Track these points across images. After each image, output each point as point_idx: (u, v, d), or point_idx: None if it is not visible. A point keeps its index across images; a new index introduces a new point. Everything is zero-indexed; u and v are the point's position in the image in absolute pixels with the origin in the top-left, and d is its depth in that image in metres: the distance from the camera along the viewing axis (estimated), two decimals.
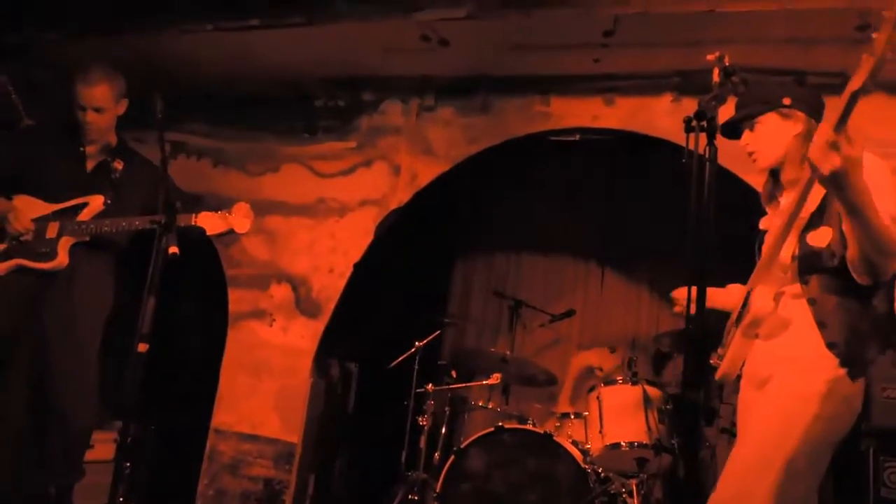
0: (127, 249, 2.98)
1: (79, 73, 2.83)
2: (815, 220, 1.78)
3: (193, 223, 2.73)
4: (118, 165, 2.93)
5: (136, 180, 2.94)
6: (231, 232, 2.75)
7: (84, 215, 2.81)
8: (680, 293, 2.10)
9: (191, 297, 4.46)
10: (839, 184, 1.51)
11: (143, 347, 2.37)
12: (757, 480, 1.65)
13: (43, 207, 2.80)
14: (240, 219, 2.75)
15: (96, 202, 2.84)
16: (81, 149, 2.91)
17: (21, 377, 2.77)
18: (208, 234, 2.75)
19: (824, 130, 1.48)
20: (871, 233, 1.57)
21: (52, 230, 2.76)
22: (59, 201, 2.81)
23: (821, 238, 1.76)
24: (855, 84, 1.42)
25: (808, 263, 1.76)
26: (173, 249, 2.60)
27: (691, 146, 1.43)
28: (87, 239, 2.79)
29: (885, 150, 2.62)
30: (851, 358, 1.70)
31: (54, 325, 2.73)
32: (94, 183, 2.87)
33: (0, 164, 2.90)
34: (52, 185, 2.83)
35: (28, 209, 2.80)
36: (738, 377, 1.96)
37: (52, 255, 2.76)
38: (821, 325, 1.72)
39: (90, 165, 2.94)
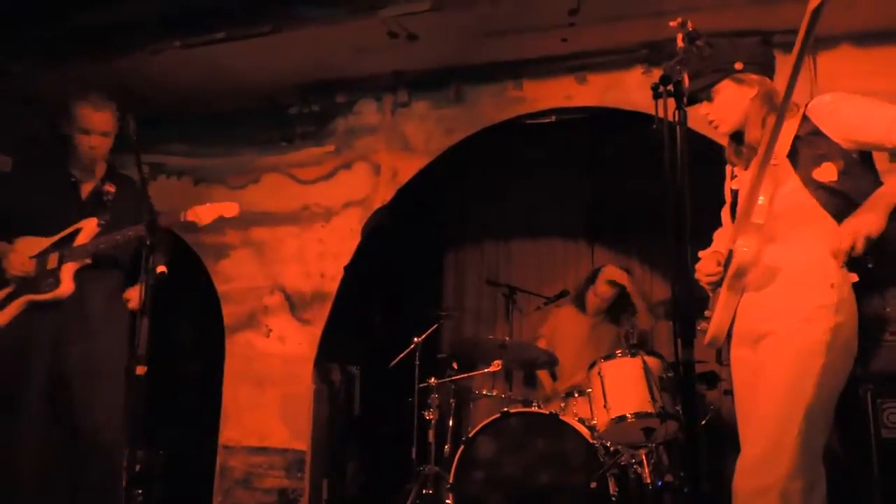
0: (132, 268, 2.96)
1: (79, 98, 2.84)
2: (809, 157, 1.80)
3: (184, 219, 2.77)
4: (110, 188, 2.94)
5: (128, 202, 2.94)
6: (221, 218, 2.81)
7: (80, 239, 2.82)
8: (703, 253, 2.12)
9: (186, 316, 4.46)
10: None
11: (141, 370, 2.37)
12: (781, 436, 1.70)
13: (41, 243, 2.82)
14: (228, 204, 2.82)
15: (90, 225, 2.85)
16: (73, 179, 2.91)
17: (48, 411, 2.76)
18: (201, 225, 2.79)
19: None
20: None
21: (52, 261, 2.78)
22: (56, 233, 2.83)
23: (828, 173, 1.78)
24: (814, 1, 1.43)
25: (833, 202, 1.78)
26: (161, 269, 2.62)
27: (660, 112, 1.45)
28: (89, 261, 2.81)
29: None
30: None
31: (75, 354, 2.72)
32: (89, 209, 2.88)
33: None
34: (48, 219, 2.85)
35: (27, 249, 2.82)
36: (729, 337, 1.98)
37: (55, 283, 2.77)
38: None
39: (84, 193, 2.94)
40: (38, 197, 2.88)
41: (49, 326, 2.75)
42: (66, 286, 2.77)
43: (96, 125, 2.85)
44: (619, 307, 4.16)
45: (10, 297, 2.79)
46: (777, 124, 1.66)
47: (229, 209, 2.82)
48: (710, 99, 1.95)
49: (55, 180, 2.90)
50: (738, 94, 1.92)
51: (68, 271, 2.78)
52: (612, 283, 4.09)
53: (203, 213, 2.79)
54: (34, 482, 2.75)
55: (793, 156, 1.81)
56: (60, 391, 2.73)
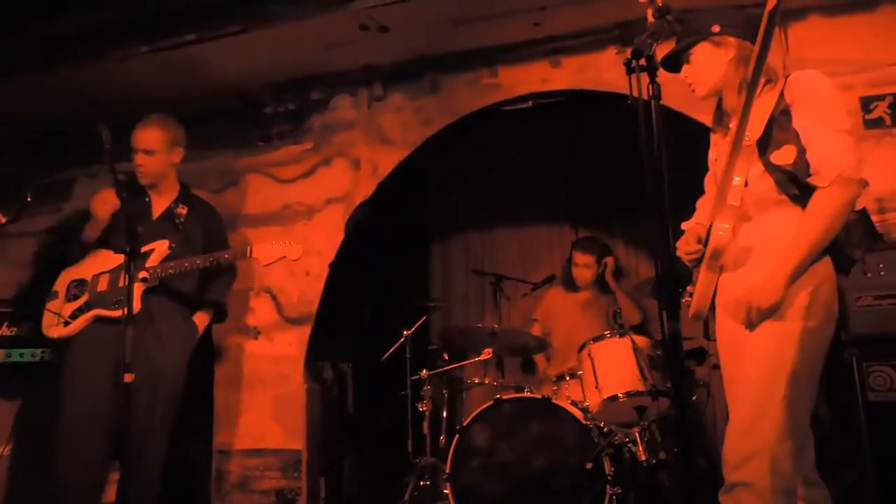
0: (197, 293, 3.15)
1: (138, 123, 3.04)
2: (774, 140, 1.81)
3: (249, 255, 2.89)
4: (182, 211, 3.09)
5: (198, 224, 3.12)
6: (283, 258, 2.90)
7: (151, 261, 2.92)
8: (686, 225, 2.14)
9: None
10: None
11: (129, 378, 2.36)
12: (767, 401, 1.72)
13: (115, 259, 2.94)
14: (292, 246, 2.90)
15: (161, 247, 2.97)
16: (147, 199, 3.06)
17: (105, 425, 2.81)
18: (262, 264, 2.90)
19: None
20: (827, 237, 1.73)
21: (123, 279, 2.82)
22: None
23: (785, 156, 1.80)
24: (771, 2, 1.45)
25: (788, 180, 1.80)
26: (143, 274, 2.62)
27: (634, 87, 1.45)
28: (157, 283, 2.91)
29: (829, 69, 2.67)
30: (843, 256, 1.80)
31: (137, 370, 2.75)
32: (161, 230, 3.01)
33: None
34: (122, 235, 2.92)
35: (104, 261, 2.95)
36: (712, 310, 2.00)
37: (124, 302, 2.79)
38: None
39: (156, 213, 3.06)
40: (120, 214, 2.99)
41: (115, 339, 2.75)
42: (134, 305, 2.80)
43: (140, 143, 2.99)
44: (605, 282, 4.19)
45: (82, 310, 2.91)
46: (745, 108, 1.68)
47: (293, 251, 2.89)
48: (687, 61, 1.97)
49: (134, 199, 3.01)
50: (714, 56, 1.93)
51: (138, 291, 2.86)
52: (583, 241, 4.17)
53: (266, 253, 2.88)
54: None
55: (763, 139, 1.82)
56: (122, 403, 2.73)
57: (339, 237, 3.90)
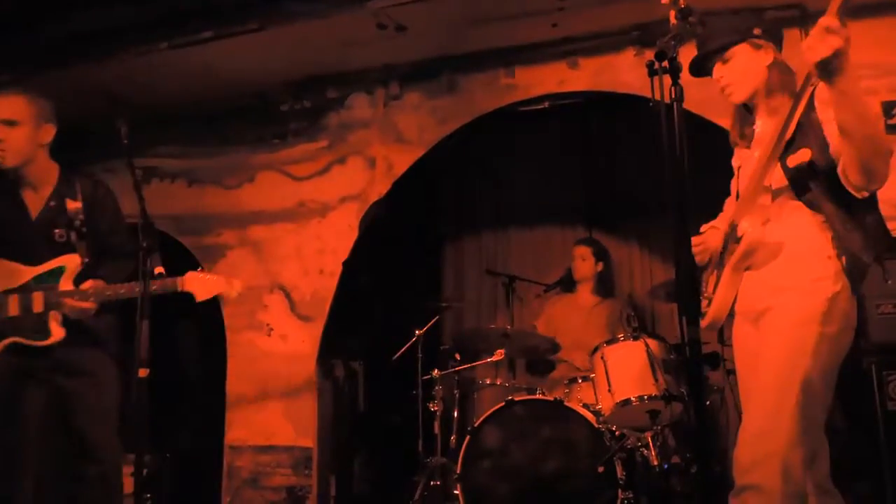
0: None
1: None
2: (792, 144, 1.79)
3: (180, 289, 2.47)
4: (75, 206, 2.57)
5: (96, 216, 2.62)
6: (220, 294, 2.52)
7: (65, 283, 2.51)
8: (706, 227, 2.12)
9: (186, 318, 4.45)
10: (836, 68, 1.51)
11: (143, 373, 2.36)
12: (781, 406, 1.70)
13: (18, 272, 2.52)
14: (231, 281, 2.54)
15: (73, 263, 2.54)
16: (20, 198, 2.55)
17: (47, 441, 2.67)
18: (198, 300, 2.50)
19: (826, 19, 1.52)
20: (866, 125, 1.58)
21: (37, 303, 2.49)
22: (23, 260, 2.52)
23: (800, 157, 1.78)
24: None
25: (801, 182, 1.78)
26: (159, 269, 2.56)
27: (656, 89, 1.44)
28: (92, 310, 2.50)
29: (876, 72, 2.63)
30: (853, 265, 1.75)
31: (73, 391, 2.56)
32: (46, 234, 2.54)
33: None
34: (11, 244, 2.56)
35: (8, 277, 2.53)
36: (731, 316, 1.98)
37: (45, 331, 2.49)
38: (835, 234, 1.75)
39: (35, 212, 2.56)
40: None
41: (42, 365, 2.53)
42: (57, 333, 2.50)
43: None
44: (610, 282, 4.16)
45: None
46: (794, 105, 1.64)
47: (232, 286, 2.53)
48: (724, 61, 1.89)
49: (8, 201, 2.56)
50: (754, 59, 1.86)
51: (56, 317, 2.50)
52: (582, 239, 4.18)
53: (202, 287, 2.50)
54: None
55: (788, 143, 1.80)
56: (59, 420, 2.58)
57: (353, 236, 3.91)
